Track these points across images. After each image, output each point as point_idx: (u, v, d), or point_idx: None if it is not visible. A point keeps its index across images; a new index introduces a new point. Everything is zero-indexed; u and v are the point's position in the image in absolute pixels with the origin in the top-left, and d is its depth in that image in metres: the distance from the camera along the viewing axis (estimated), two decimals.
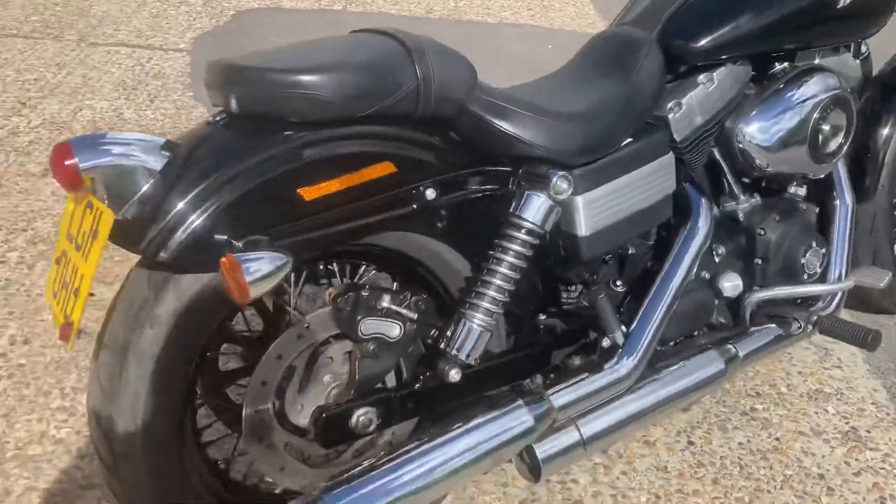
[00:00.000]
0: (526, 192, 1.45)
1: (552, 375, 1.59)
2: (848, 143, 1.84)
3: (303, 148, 1.29)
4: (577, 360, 1.62)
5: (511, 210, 1.46)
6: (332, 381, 1.47)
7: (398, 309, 1.44)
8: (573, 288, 1.65)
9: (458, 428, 1.40)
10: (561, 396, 1.50)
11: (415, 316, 1.45)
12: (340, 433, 1.41)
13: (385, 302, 1.43)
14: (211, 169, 1.24)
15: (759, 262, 1.82)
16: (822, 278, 1.90)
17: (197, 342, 1.33)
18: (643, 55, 1.64)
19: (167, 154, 1.26)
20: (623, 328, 1.58)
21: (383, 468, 1.33)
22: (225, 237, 1.22)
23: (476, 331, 1.44)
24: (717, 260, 1.83)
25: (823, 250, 1.89)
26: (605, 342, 1.58)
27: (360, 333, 1.40)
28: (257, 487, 1.55)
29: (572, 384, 1.52)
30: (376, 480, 1.31)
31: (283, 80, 1.26)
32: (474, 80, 1.43)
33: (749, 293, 1.81)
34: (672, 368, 1.68)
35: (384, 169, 1.36)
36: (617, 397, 1.59)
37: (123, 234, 1.22)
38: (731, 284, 1.79)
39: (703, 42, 1.68)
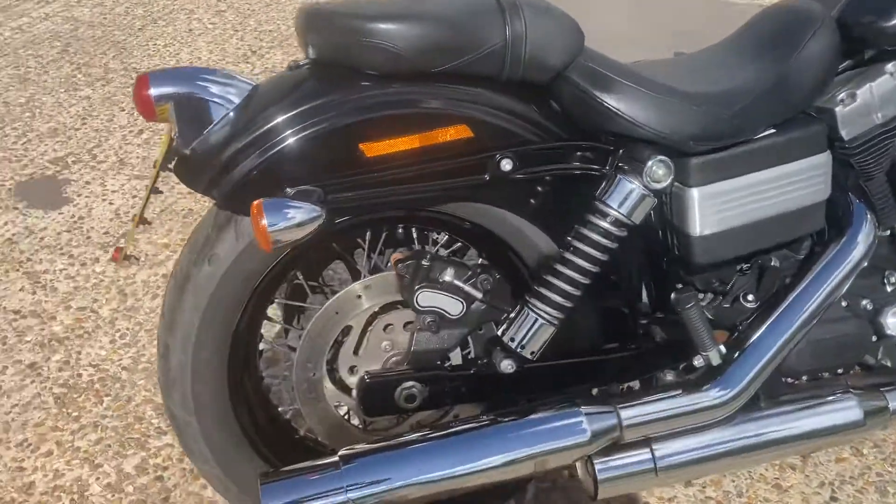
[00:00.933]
0: (618, 177, 1.27)
1: (632, 387, 1.40)
2: None
3: (370, 101, 1.23)
4: (668, 377, 1.42)
5: (597, 194, 1.29)
6: (391, 348, 1.41)
7: (461, 285, 1.34)
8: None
9: (499, 421, 1.28)
10: (633, 412, 1.31)
11: (479, 295, 1.34)
12: (382, 403, 1.35)
13: (447, 276, 1.33)
14: (275, 114, 1.22)
15: None
16: None
17: (250, 284, 1.33)
18: (811, 33, 1.36)
19: (242, 94, 1.26)
20: (722, 349, 1.35)
21: (408, 446, 1.25)
22: (276, 183, 1.20)
23: (537, 323, 1.30)
24: (888, 289, 1.51)
25: None
26: (698, 361, 1.36)
27: (416, 304, 1.33)
28: (304, 439, 1.54)
29: (651, 402, 1.33)
30: (396, 458, 1.24)
31: (355, 28, 1.20)
32: (578, 46, 1.27)
33: None
34: (792, 406, 1.41)
35: (459, 132, 1.26)
36: (710, 426, 1.36)
37: (186, 170, 1.25)
38: None
39: None
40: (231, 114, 1.24)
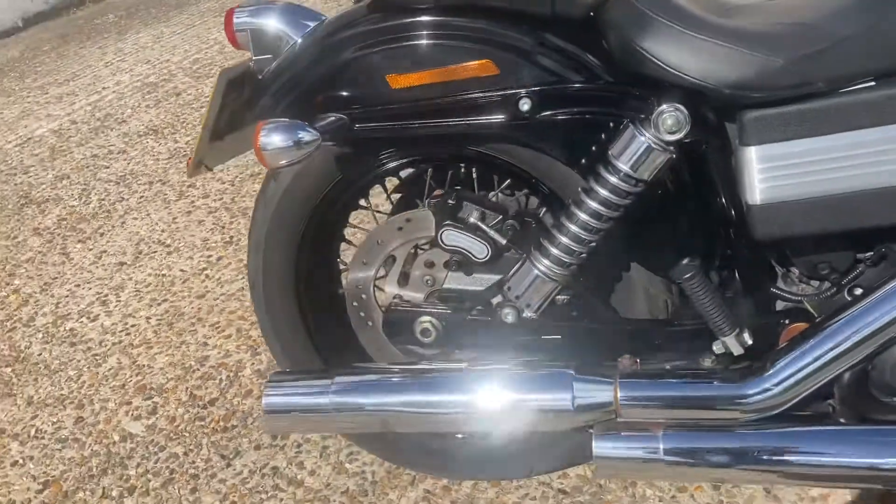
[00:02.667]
0: (630, 127, 1.13)
1: (651, 362, 1.24)
2: None
3: (399, 33, 1.25)
4: (706, 361, 1.23)
5: (608, 146, 1.15)
6: (432, 283, 1.43)
7: (485, 228, 1.30)
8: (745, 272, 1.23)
9: (488, 369, 1.24)
10: (632, 391, 1.17)
11: (503, 241, 1.30)
12: (402, 333, 1.39)
13: (472, 217, 1.31)
14: (318, 46, 1.31)
15: None
16: None
17: (309, 199, 1.44)
18: None
19: (310, 26, 1.36)
20: (747, 338, 1.13)
21: (393, 376, 1.28)
22: (309, 109, 1.29)
23: (539, 279, 1.22)
24: None
25: None
26: (717, 347, 1.16)
27: (441, 241, 1.33)
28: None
29: (656, 383, 1.17)
30: (380, 385, 1.28)
31: None
32: None
33: None
34: (847, 429, 1.14)
35: (484, 69, 1.22)
36: (745, 426, 1.17)
37: (257, 92, 1.39)
38: None
39: None
40: (296, 45, 1.35)
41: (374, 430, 1.40)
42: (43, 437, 1.99)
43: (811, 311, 1.26)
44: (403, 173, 1.50)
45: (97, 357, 2.24)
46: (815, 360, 1.12)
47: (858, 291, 1.21)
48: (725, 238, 1.21)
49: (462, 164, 1.42)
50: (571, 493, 1.61)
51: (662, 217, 1.21)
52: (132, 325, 2.34)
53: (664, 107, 1.09)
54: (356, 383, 1.29)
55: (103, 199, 3.10)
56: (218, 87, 1.35)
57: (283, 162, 1.23)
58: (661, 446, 1.18)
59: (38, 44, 5.33)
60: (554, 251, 1.21)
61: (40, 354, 2.29)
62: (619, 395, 1.18)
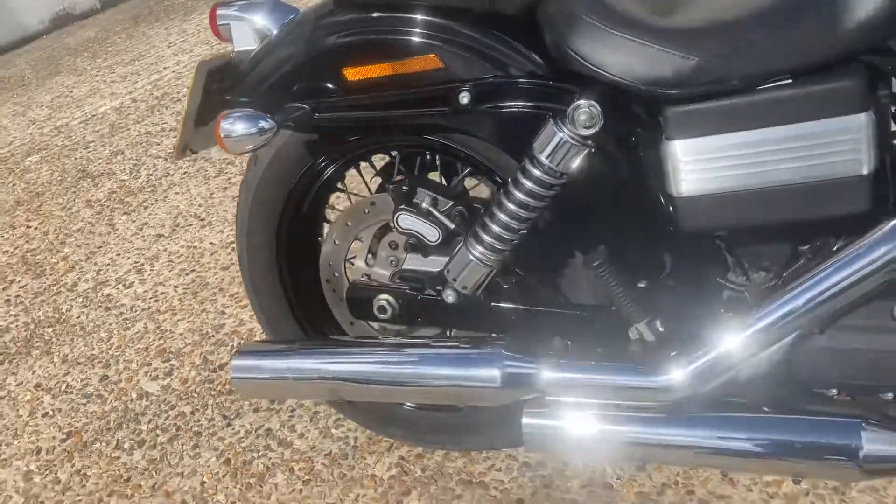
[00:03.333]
0: (550, 122, 1.18)
1: (583, 345, 1.30)
2: None
3: (354, 29, 1.34)
4: (633, 347, 1.28)
5: (534, 140, 1.21)
6: (396, 264, 1.52)
7: (436, 213, 1.38)
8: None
9: (424, 345, 1.33)
10: (557, 372, 1.24)
11: (451, 225, 1.38)
12: (362, 309, 1.49)
13: (425, 203, 1.39)
14: (285, 40, 1.41)
15: None
16: None
17: (285, 182, 1.54)
18: None
19: (285, 20, 1.46)
20: (658, 325, 1.18)
21: (345, 347, 1.39)
22: (277, 100, 1.39)
23: (472, 263, 1.30)
24: None
25: None
26: (632, 333, 1.21)
27: (397, 224, 1.42)
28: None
29: (581, 366, 1.24)
30: (334, 354, 1.38)
31: None
32: None
33: None
34: (783, 417, 1.18)
35: (429, 63, 1.30)
36: (666, 411, 1.22)
37: (235, 81, 1.50)
38: None
39: None
40: (272, 39, 1.46)
41: (327, 398, 1.51)
42: (71, 392, 2.19)
43: (750, 299, 1.29)
44: (377, 160, 1.59)
45: (127, 321, 2.43)
46: (731, 348, 1.16)
47: (789, 282, 1.23)
48: (654, 228, 1.26)
49: (427, 153, 1.50)
50: (534, 467, 1.68)
51: (588, 206, 1.27)
52: (161, 293, 2.52)
53: (580, 102, 1.15)
54: (310, 354, 1.40)
55: (151, 175, 3.30)
56: (197, 76, 1.47)
57: (244, 149, 1.34)
58: (583, 426, 1.25)
59: (111, 25, 5.62)
60: (487, 238, 1.28)
61: (78, 317, 2.50)
62: (545, 375, 1.25)
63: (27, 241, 3.02)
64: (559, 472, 1.66)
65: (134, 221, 2.98)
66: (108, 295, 2.58)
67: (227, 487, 1.81)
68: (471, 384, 1.28)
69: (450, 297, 1.36)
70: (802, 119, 1.11)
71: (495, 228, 1.27)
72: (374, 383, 1.34)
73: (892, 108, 1.14)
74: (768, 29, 1.09)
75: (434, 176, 1.55)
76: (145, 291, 2.55)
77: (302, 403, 1.96)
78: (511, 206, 1.25)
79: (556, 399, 1.27)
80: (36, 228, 3.11)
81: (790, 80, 1.11)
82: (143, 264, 2.70)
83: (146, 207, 3.06)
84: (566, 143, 1.17)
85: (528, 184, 1.22)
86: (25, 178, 3.56)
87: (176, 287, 2.53)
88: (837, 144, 1.10)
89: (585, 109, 1.14)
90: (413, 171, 1.53)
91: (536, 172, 1.21)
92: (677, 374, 1.17)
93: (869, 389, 1.19)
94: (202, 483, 1.83)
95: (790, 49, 1.09)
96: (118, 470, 1.92)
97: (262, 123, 1.32)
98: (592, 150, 1.18)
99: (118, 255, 2.79)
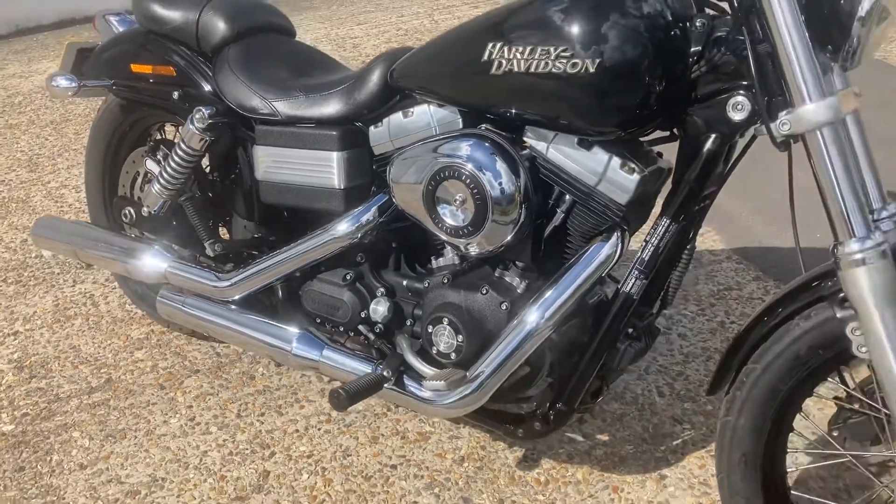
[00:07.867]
0: (187, 120, 2.02)
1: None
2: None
3: (139, 41, 2.21)
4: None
5: None
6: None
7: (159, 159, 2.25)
8: None
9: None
10: (177, 270, 2.10)
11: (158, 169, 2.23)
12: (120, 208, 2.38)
13: (158, 154, 2.25)
14: (114, 40, 2.30)
15: None
16: None
17: (109, 131, 2.43)
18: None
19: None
20: (217, 247, 2.04)
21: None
22: (99, 72, 2.28)
23: (154, 194, 2.18)
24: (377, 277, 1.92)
25: None
26: (208, 248, 2.07)
27: (146, 166, 2.28)
28: None
29: (189, 268, 2.08)
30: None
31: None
32: (227, 38, 2.02)
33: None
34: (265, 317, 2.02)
35: (170, 70, 2.14)
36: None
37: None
38: None
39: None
40: (111, 38, 2.35)
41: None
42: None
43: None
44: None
45: None
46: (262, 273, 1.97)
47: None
48: (251, 199, 2.06)
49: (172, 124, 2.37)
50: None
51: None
52: None
53: (199, 108, 1.97)
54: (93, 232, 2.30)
55: None
56: (68, 52, 2.40)
57: (56, 95, 2.25)
58: (184, 305, 2.09)
59: None
60: (163, 177, 2.13)
61: None
62: (167, 269, 2.09)
63: None
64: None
65: None
66: None
67: None
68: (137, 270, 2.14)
69: (144, 210, 2.23)
70: (313, 148, 1.86)
71: (165, 174, 2.12)
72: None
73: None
74: (306, 96, 1.88)
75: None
76: None
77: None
78: (173, 164, 2.09)
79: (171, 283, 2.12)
80: None
81: (313, 125, 1.88)
82: None
83: None
84: (193, 133, 2.01)
85: (180, 152, 2.07)
86: None
87: None
88: (323, 167, 1.86)
89: (201, 115, 1.97)
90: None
91: (183, 146, 2.06)
92: (228, 281, 2.00)
93: (332, 322, 1.95)
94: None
95: (315, 108, 1.87)
96: None
97: (67, 84, 2.22)
98: (209, 140, 2.01)
99: None
